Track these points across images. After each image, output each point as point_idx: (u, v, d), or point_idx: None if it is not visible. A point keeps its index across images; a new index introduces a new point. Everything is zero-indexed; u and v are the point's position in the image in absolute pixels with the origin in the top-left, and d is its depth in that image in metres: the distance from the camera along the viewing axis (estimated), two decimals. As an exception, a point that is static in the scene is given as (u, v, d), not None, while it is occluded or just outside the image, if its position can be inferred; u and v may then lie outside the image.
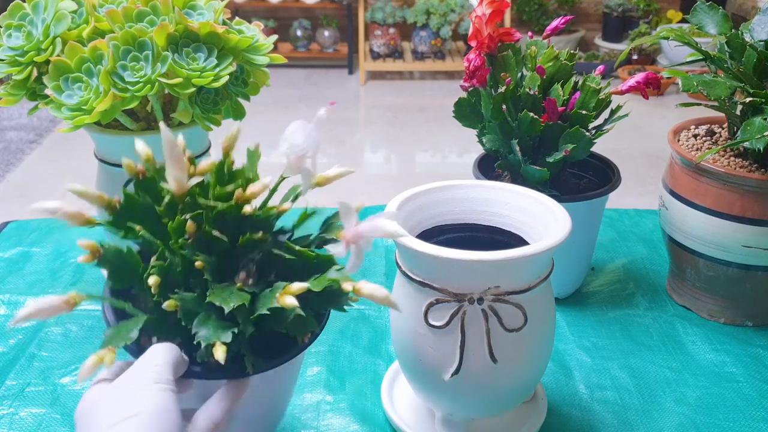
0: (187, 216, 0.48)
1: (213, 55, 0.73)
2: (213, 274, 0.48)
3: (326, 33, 4.06)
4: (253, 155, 0.54)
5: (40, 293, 0.85)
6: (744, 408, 0.69)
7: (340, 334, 0.79)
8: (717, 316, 0.81)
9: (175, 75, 0.71)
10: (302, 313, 0.47)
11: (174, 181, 0.48)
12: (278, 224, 0.54)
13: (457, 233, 0.65)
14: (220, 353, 0.45)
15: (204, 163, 0.51)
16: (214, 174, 0.51)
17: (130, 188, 0.50)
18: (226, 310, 0.45)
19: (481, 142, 0.82)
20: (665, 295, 0.86)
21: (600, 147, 0.80)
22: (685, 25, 3.49)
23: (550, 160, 0.75)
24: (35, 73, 0.74)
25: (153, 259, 0.49)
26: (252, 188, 0.49)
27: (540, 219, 0.61)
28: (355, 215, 0.48)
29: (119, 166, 0.78)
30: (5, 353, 0.75)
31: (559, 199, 0.62)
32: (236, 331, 0.46)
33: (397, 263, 0.59)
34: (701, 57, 0.77)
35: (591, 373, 0.73)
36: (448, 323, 0.55)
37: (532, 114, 0.74)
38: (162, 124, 0.47)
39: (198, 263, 0.47)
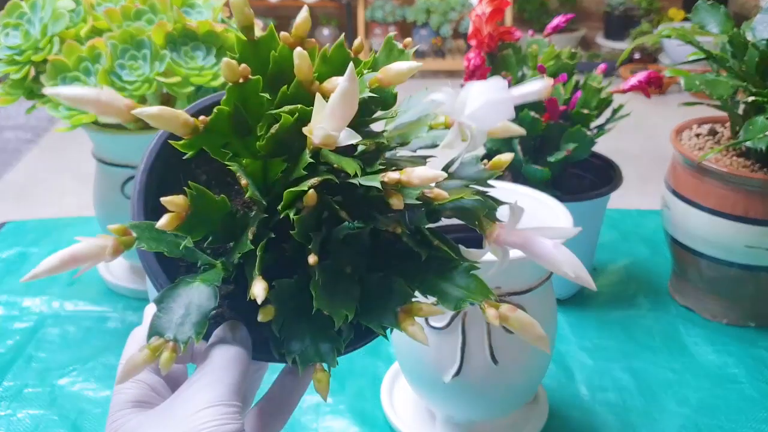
0: (315, 181, 0.34)
1: (211, 53, 0.72)
2: (321, 257, 0.35)
3: (326, 32, 4.06)
4: (393, 49, 0.41)
5: (38, 294, 0.85)
6: (746, 409, 0.68)
7: (339, 335, 0.78)
8: (719, 316, 0.81)
9: (173, 74, 0.70)
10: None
11: (325, 133, 0.33)
12: None
13: (457, 233, 0.65)
14: (323, 384, 0.34)
15: (395, 68, 0.37)
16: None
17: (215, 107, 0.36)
18: (337, 324, 0.34)
19: (481, 141, 0.81)
20: (667, 296, 0.86)
21: (601, 146, 0.80)
22: (686, 24, 3.48)
23: (552, 159, 0.75)
24: (33, 72, 0.74)
25: (251, 232, 0.35)
26: (413, 175, 0.33)
27: (541, 219, 0.61)
28: (520, 217, 0.37)
29: (117, 165, 0.78)
30: (3, 354, 0.75)
31: (561, 199, 0.61)
32: (341, 348, 0.36)
33: (397, 264, 0.58)
34: (703, 56, 0.77)
35: (592, 374, 0.73)
36: (448, 324, 0.54)
37: (533, 113, 0.73)
38: (350, 66, 0.33)
39: (312, 259, 0.34)
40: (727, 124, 0.84)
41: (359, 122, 0.36)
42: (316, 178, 0.34)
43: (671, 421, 0.67)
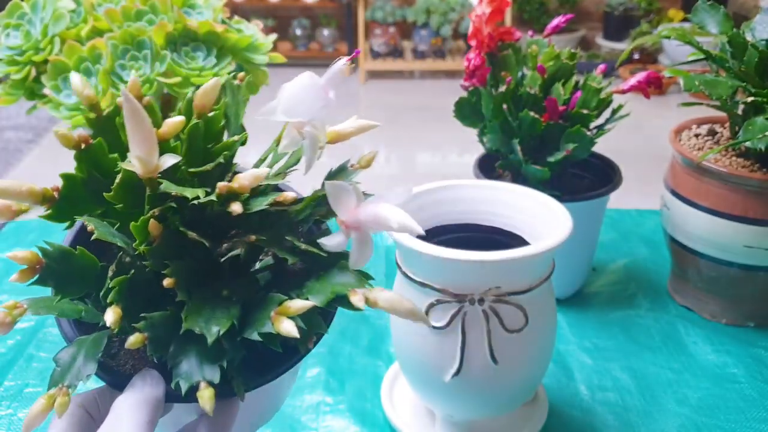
0: (156, 212, 0.36)
1: (212, 54, 0.72)
2: (189, 283, 0.37)
3: (326, 32, 4.06)
4: (237, 94, 0.44)
5: (38, 294, 0.85)
6: (745, 409, 0.68)
7: (340, 335, 0.79)
8: (719, 316, 0.81)
9: (173, 74, 0.71)
10: (303, 326, 0.37)
11: (140, 163, 0.35)
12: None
13: (457, 233, 0.65)
14: (207, 400, 0.35)
15: (169, 123, 0.38)
16: (186, 141, 0.38)
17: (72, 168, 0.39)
18: (209, 340, 0.35)
19: (481, 141, 0.81)
20: (667, 296, 0.86)
21: (601, 147, 0.80)
22: (686, 25, 3.48)
23: (551, 159, 0.75)
24: (33, 73, 0.74)
25: (111, 269, 0.38)
26: (241, 180, 0.36)
27: (541, 219, 0.61)
28: (352, 193, 0.36)
29: (118, 165, 0.78)
30: (4, 354, 0.75)
31: (560, 199, 0.61)
32: (225, 364, 0.37)
33: (398, 263, 0.58)
34: (703, 56, 0.77)
35: (592, 374, 0.73)
36: (448, 324, 0.54)
37: (532, 113, 0.73)
38: (122, 87, 0.39)
39: (168, 281, 0.36)
40: (727, 125, 0.84)
41: (208, 151, 0.39)
42: (156, 209, 0.36)
43: (670, 421, 0.67)
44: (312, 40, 4.10)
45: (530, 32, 0.87)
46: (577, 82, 0.77)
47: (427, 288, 0.55)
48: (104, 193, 0.37)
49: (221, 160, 0.39)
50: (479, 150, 0.84)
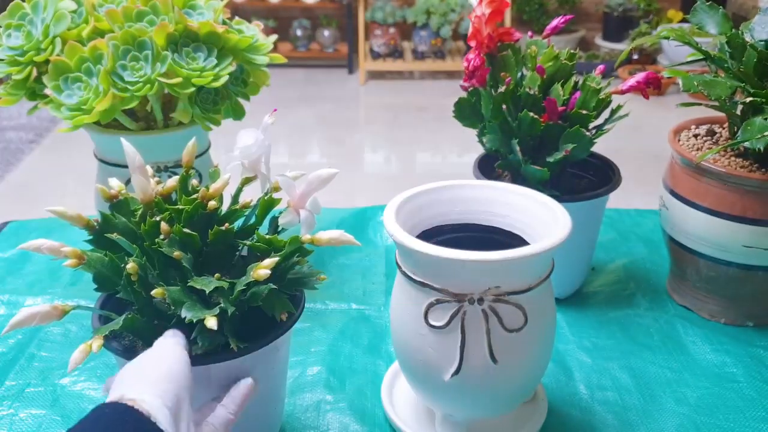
0: (158, 218, 0.53)
1: (213, 54, 0.73)
2: (191, 265, 0.52)
3: (326, 33, 4.06)
4: (214, 175, 0.60)
5: (39, 294, 0.85)
6: (744, 408, 0.68)
7: (340, 334, 0.79)
8: (717, 316, 0.81)
9: (174, 75, 0.71)
10: (274, 286, 0.53)
11: (139, 189, 0.53)
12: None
13: (457, 233, 0.65)
14: (212, 321, 0.49)
15: (170, 182, 0.57)
16: (179, 187, 0.57)
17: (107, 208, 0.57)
18: (207, 291, 0.50)
19: (481, 142, 0.82)
20: (666, 296, 0.86)
21: (600, 147, 0.80)
22: (685, 25, 3.48)
23: (551, 159, 0.75)
24: (35, 73, 0.74)
25: (131, 259, 0.53)
26: (214, 186, 0.55)
27: (540, 219, 0.61)
28: (294, 184, 0.55)
29: (119, 165, 0.78)
30: (5, 353, 0.75)
31: (560, 199, 0.62)
32: (219, 308, 0.51)
33: (397, 263, 0.59)
34: (702, 57, 0.77)
35: (591, 373, 0.73)
36: (448, 323, 0.55)
37: (532, 114, 0.74)
38: (122, 139, 0.53)
39: (176, 254, 0.51)
40: (725, 125, 0.84)
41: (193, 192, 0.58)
42: (159, 216, 0.55)
43: (670, 420, 0.67)
44: (312, 40, 4.10)
45: (529, 33, 0.87)
46: (576, 83, 0.77)
47: (427, 288, 0.55)
48: (130, 219, 0.56)
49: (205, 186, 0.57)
50: (479, 150, 0.84)
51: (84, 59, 0.71)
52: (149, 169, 0.56)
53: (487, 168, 0.83)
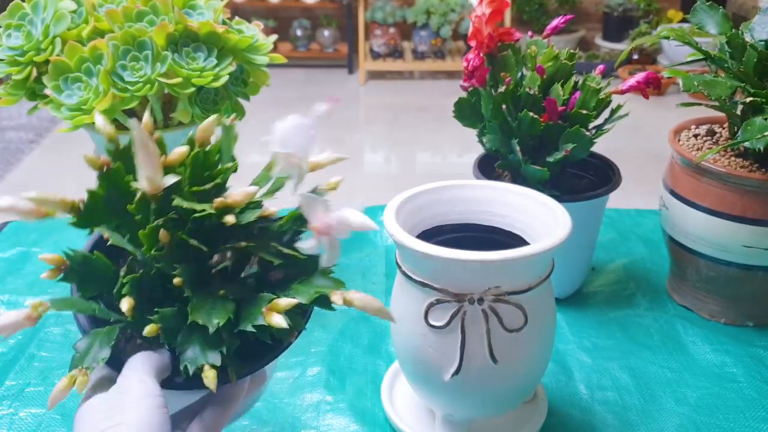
0: (160, 222, 0.44)
1: (213, 54, 0.73)
2: (192, 284, 0.45)
3: (326, 33, 4.06)
4: (229, 131, 0.50)
5: (39, 293, 0.85)
6: (744, 408, 0.68)
7: (340, 335, 0.79)
8: (717, 316, 0.81)
9: (174, 75, 0.71)
10: (289, 324, 0.44)
11: (147, 182, 0.43)
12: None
13: (457, 233, 0.65)
14: (211, 379, 0.42)
15: (176, 152, 0.46)
16: (189, 167, 0.47)
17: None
18: (211, 330, 0.43)
19: (481, 142, 0.81)
20: (666, 296, 0.86)
21: (600, 147, 0.80)
22: (685, 25, 3.48)
23: (551, 159, 0.75)
24: (35, 73, 0.74)
25: (123, 271, 0.46)
26: (235, 197, 0.45)
27: (540, 219, 0.61)
28: (321, 204, 0.44)
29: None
30: (5, 353, 0.75)
31: (560, 199, 0.62)
32: (224, 350, 0.44)
33: (397, 263, 0.59)
34: (702, 57, 0.77)
35: (591, 373, 0.73)
36: (448, 323, 0.55)
37: (532, 114, 0.74)
38: (132, 121, 0.43)
39: (177, 280, 0.44)
40: (726, 125, 0.84)
41: (207, 176, 0.47)
42: (161, 219, 0.44)
43: (670, 420, 0.67)
44: (312, 40, 4.10)
45: (530, 33, 0.88)
46: (576, 83, 0.77)
47: (427, 288, 0.55)
48: (127, 206, 0.44)
49: (218, 181, 0.47)
50: (479, 150, 0.84)
51: (84, 59, 0.71)
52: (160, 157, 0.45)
53: (487, 168, 0.83)
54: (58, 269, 0.45)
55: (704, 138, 0.82)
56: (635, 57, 3.83)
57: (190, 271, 0.45)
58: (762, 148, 0.67)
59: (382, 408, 0.67)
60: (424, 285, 0.55)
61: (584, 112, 0.75)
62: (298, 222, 0.49)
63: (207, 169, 0.47)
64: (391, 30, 3.93)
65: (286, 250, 0.47)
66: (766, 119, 0.69)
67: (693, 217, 0.77)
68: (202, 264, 0.47)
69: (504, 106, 0.76)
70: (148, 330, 0.43)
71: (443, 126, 3.25)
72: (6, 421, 0.66)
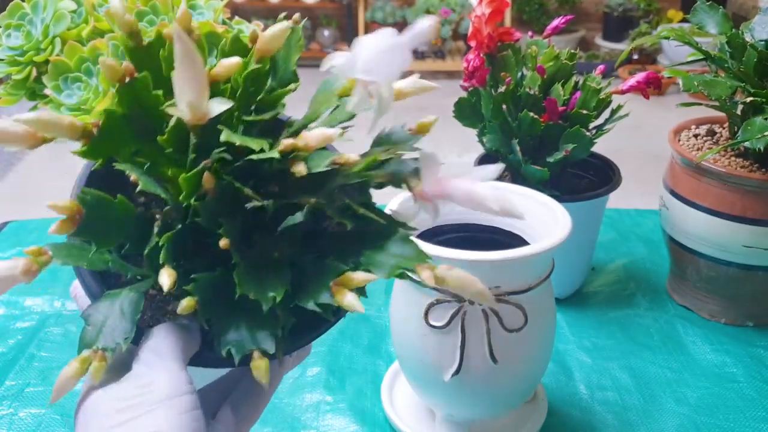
0: (207, 163, 0.33)
1: (212, 54, 0.72)
2: (239, 243, 0.34)
3: (326, 32, 4.06)
4: (293, 38, 0.39)
5: (40, 293, 0.85)
6: (744, 408, 0.68)
7: (340, 335, 0.79)
8: (718, 316, 0.81)
9: (174, 75, 0.71)
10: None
11: (188, 107, 0.32)
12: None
13: (457, 233, 0.65)
14: (263, 372, 0.33)
15: (225, 64, 0.35)
16: (242, 86, 0.36)
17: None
18: (265, 307, 0.33)
19: (481, 142, 0.81)
20: (666, 296, 0.86)
21: (600, 147, 0.80)
22: (685, 25, 3.48)
23: (551, 159, 0.75)
24: (34, 73, 0.74)
25: (156, 224, 0.35)
26: (308, 139, 0.34)
27: (540, 219, 0.61)
28: (439, 168, 0.35)
29: (119, 165, 0.78)
30: (5, 353, 0.75)
31: (560, 199, 0.62)
32: (279, 333, 0.35)
33: (397, 263, 0.58)
34: (702, 57, 0.77)
35: (591, 373, 0.73)
36: (448, 323, 0.55)
37: (532, 114, 0.74)
38: (174, 25, 0.32)
39: (223, 242, 0.33)
40: (726, 125, 0.84)
41: (260, 101, 0.36)
42: (209, 159, 0.33)
43: (670, 420, 0.67)
44: (312, 40, 4.10)
45: (530, 33, 0.87)
46: (576, 83, 0.77)
47: (427, 288, 0.55)
48: (158, 137, 0.33)
49: (279, 110, 0.37)
50: (479, 150, 0.84)
51: (84, 59, 0.70)
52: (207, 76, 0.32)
53: (487, 168, 0.82)
54: (71, 220, 0.33)
55: (704, 138, 0.82)
56: (635, 57, 3.83)
57: (235, 228, 0.35)
58: (762, 148, 0.67)
59: (382, 408, 0.67)
60: (424, 285, 0.55)
61: (584, 112, 0.75)
62: (376, 171, 0.38)
63: (261, 91, 0.37)
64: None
65: (367, 212, 0.36)
66: (766, 119, 0.69)
67: (693, 217, 0.77)
68: (254, 217, 0.36)
69: (504, 106, 0.76)
70: (184, 306, 0.33)
71: (443, 126, 3.25)
72: (6, 421, 0.66)
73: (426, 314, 0.55)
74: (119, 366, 0.35)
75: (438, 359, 0.56)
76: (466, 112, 0.82)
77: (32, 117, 0.31)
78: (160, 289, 0.33)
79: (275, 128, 0.37)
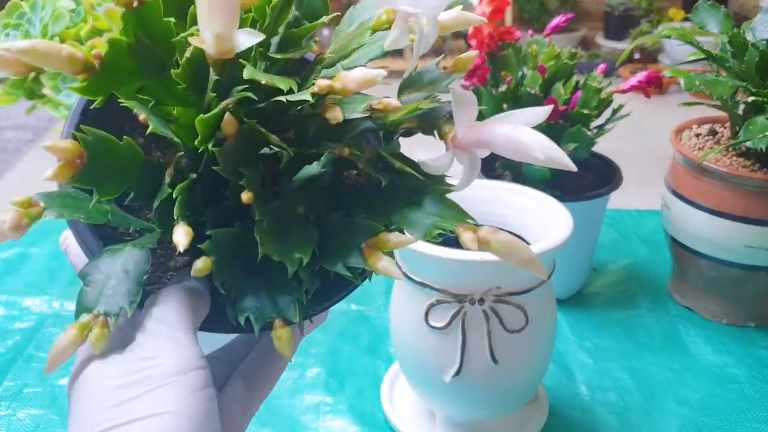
0: (229, 103, 0.29)
1: None
2: (260, 195, 0.30)
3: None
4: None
5: (38, 294, 0.85)
6: (746, 409, 0.68)
7: (339, 335, 0.78)
8: (719, 316, 0.81)
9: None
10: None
11: (216, 40, 0.28)
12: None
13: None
14: (285, 342, 0.30)
15: None
16: (269, 16, 0.31)
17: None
18: (290, 270, 0.29)
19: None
20: (667, 296, 0.86)
21: (601, 146, 0.80)
22: (687, 24, 3.48)
23: (552, 159, 0.75)
24: (33, 73, 0.74)
25: (168, 173, 0.31)
26: (346, 81, 0.30)
27: (541, 219, 0.61)
28: (475, 110, 0.31)
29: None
30: (3, 354, 0.75)
31: (561, 199, 0.61)
32: (302, 299, 0.31)
33: (397, 263, 0.58)
34: (703, 56, 0.77)
35: (592, 374, 0.73)
36: (448, 324, 0.54)
37: (533, 113, 0.73)
38: None
39: (246, 196, 0.29)
40: (727, 124, 0.84)
41: (287, 36, 0.32)
42: (230, 99, 0.29)
43: (671, 421, 0.67)
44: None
45: (530, 32, 0.87)
46: (577, 82, 0.77)
47: (427, 288, 0.55)
48: (172, 71, 0.29)
49: (313, 46, 0.32)
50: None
51: (82, 58, 0.70)
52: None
53: (487, 168, 0.82)
54: (71, 165, 0.29)
55: (706, 138, 0.82)
56: (636, 56, 3.83)
57: (257, 179, 0.31)
58: (764, 148, 0.67)
59: (381, 409, 0.67)
60: (424, 285, 0.55)
61: (585, 111, 0.74)
62: (416, 124, 0.34)
63: (283, 21, 0.32)
64: (392, 29, 3.93)
65: (398, 165, 0.32)
66: (767, 119, 0.68)
67: (695, 217, 0.76)
68: (274, 166, 0.32)
69: (505, 105, 0.76)
70: (200, 267, 0.29)
71: (444, 125, 3.24)
72: (4, 421, 0.66)
73: (426, 315, 0.55)
74: (119, 335, 0.31)
75: (438, 360, 0.56)
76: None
77: (26, 45, 0.27)
78: (163, 243, 0.30)
79: (296, 67, 0.33)
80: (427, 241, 0.31)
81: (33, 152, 2.98)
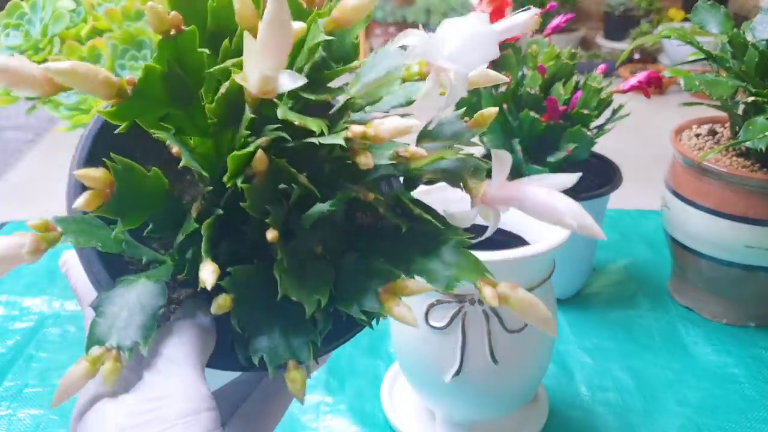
0: (262, 142, 0.29)
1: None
2: (282, 234, 0.30)
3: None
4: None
5: (38, 294, 0.85)
6: (746, 409, 0.68)
7: (340, 335, 0.78)
8: (719, 316, 0.81)
9: (173, 74, 0.70)
10: None
11: (260, 78, 0.27)
12: None
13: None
14: (299, 385, 0.30)
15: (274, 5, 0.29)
16: (306, 59, 0.31)
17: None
18: (308, 311, 0.29)
19: (481, 141, 0.81)
20: (667, 296, 0.86)
21: (601, 147, 0.80)
22: (686, 24, 3.48)
23: (552, 159, 0.75)
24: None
25: (195, 208, 0.31)
26: (380, 129, 0.29)
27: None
28: (509, 168, 0.31)
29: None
30: (3, 354, 0.75)
31: (561, 200, 0.61)
32: (317, 341, 0.31)
33: (397, 264, 0.58)
34: (703, 56, 0.77)
35: (592, 374, 0.73)
36: (448, 324, 0.54)
37: (533, 113, 0.73)
38: None
39: (272, 234, 0.29)
40: (727, 124, 0.84)
41: (316, 78, 0.32)
42: (265, 138, 0.29)
43: (671, 421, 0.67)
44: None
45: (530, 32, 0.87)
46: (577, 82, 0.77)
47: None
48: (200, 113, 0.29)
49: (342, 89, 0.32)
50: (479, 150, 0.84)
51: (83, 59, 0.70)
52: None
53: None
54: (101, 193, 0.28)
55: (706, 138, 0.82)
56: (636, 56, 3.83)
57: (281, 217, 0.30)
58: (764, 148, 0.67)
59: (381, 409, 0.67)
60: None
61: (585, 111, 0.74)
62: (441, 175, 0.35)
63: (325, 66, 0.32)
64: (391, 29, 3.93)
65: (417, 212, 0.33)
66: (767, 119, 0.68)
67: (695, 217, 0.76)
68: (297, 206, 0.32)
69: (505, 106, 0.76)
70: (221, 304, 0.29)
71: (444, 125, 3.24)
72: (4, 422, 0.66)
73: (426, 315, 0.55)
74: (125, 372, 0.31)
75: (438, 360, 0.56)
76: (466, 111, 0.82)
77: (66, 66, 0.27)
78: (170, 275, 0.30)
79: (317, 107, 0.33)
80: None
81: (33, 152, 2.98)
